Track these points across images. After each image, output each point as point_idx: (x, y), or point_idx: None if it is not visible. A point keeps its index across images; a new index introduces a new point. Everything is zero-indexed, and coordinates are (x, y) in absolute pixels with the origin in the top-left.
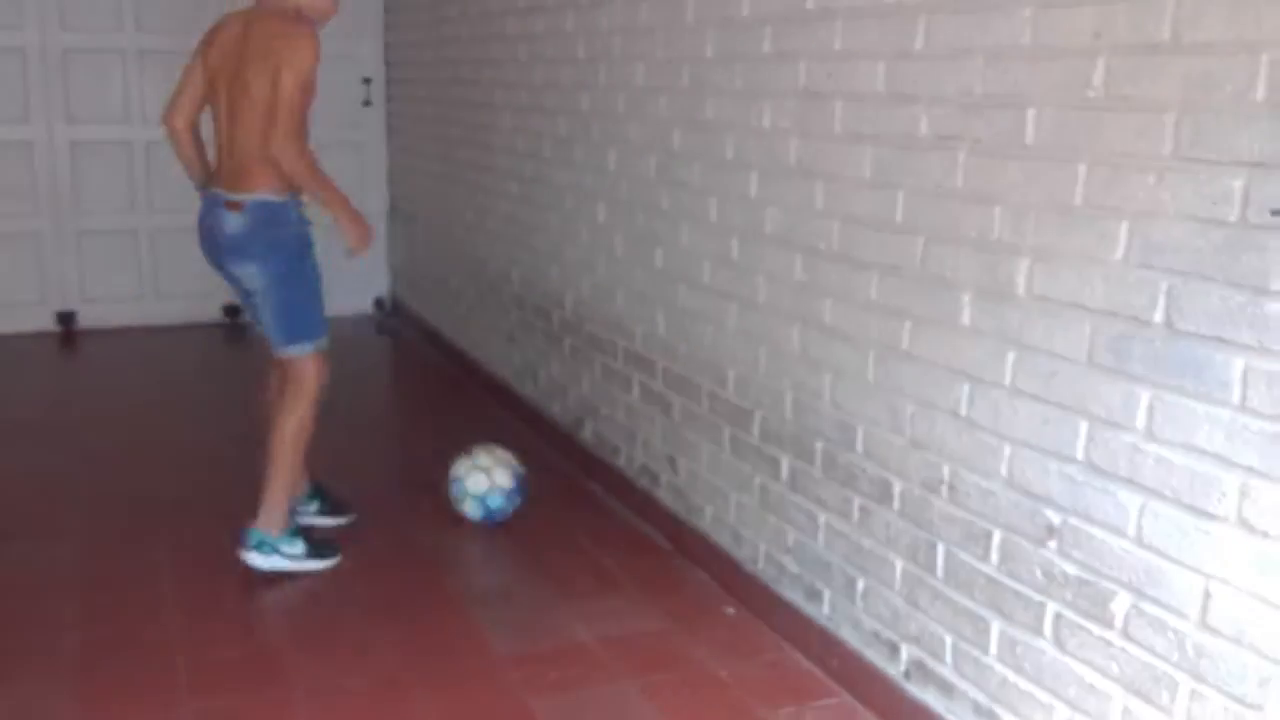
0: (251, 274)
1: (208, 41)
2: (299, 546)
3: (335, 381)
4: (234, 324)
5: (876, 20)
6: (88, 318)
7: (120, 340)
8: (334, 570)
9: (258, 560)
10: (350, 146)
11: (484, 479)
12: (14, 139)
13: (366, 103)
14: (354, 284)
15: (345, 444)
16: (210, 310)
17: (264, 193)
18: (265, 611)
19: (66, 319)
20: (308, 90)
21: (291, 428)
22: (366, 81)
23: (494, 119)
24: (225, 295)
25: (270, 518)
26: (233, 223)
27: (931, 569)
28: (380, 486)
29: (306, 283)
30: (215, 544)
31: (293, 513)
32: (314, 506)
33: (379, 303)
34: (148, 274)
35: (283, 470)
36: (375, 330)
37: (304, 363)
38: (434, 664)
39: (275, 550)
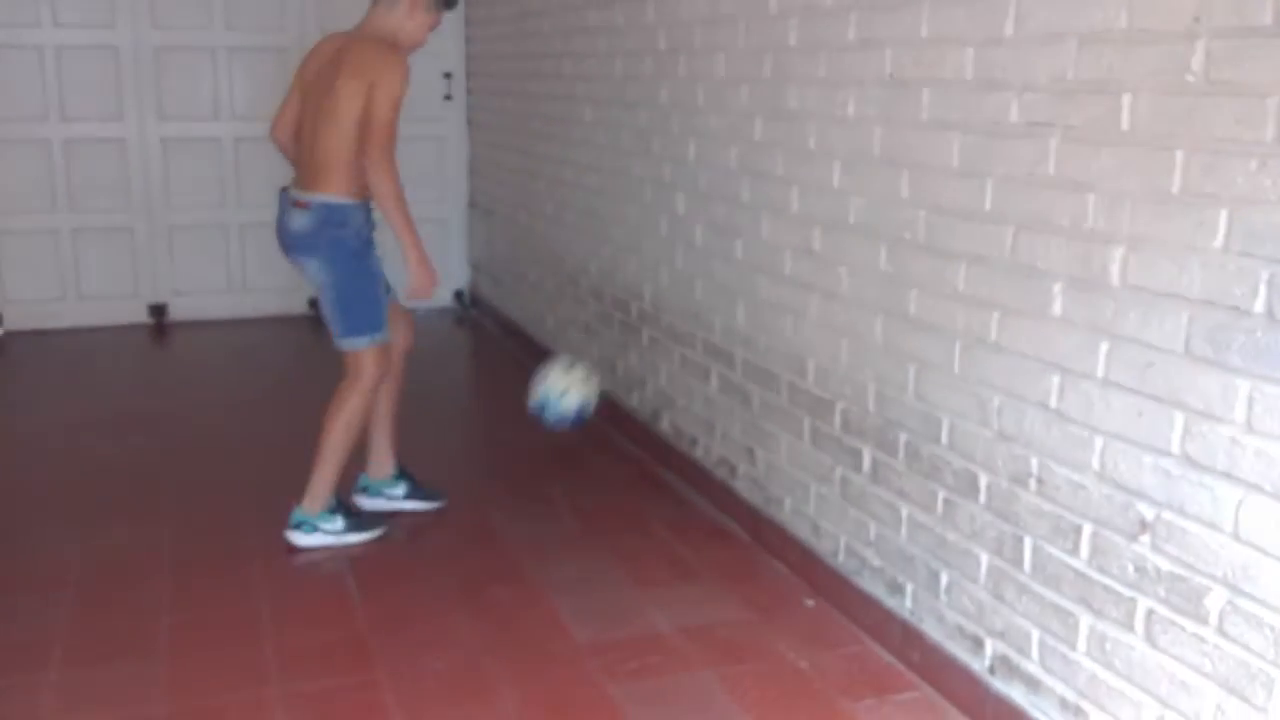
0: (314, 269)
1: (304, 62)
2: (337, 523)
3: (416, 371)
4: (319, 317)
5: (965, 6)
6: (178, 310)
7: (210, 332)
8: (417, 555)
9: (301, 539)
10: (431, 141)
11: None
12: (108, 136)
13: (448, 97)
14: None
15: (427, 432)
16: (297, 303)
17: (332, 195)
18: (350, 595)
19: (158, 311)
20: (398, 111)
21: (344, 417)
22: (447, 76)
23: (574, 112)
24: (311, 289)
25: (313, 501)
26: (299, 220)
27: (1018, 563)
28: (461, 473)
29: (364, 281)
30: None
31: (333, 494)
32: (401, 490)
33: (459, 295)
34: (236, 268)
35: (331, 457)
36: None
37: (360, 356)
38: (515, 649)
39: (316, 528)
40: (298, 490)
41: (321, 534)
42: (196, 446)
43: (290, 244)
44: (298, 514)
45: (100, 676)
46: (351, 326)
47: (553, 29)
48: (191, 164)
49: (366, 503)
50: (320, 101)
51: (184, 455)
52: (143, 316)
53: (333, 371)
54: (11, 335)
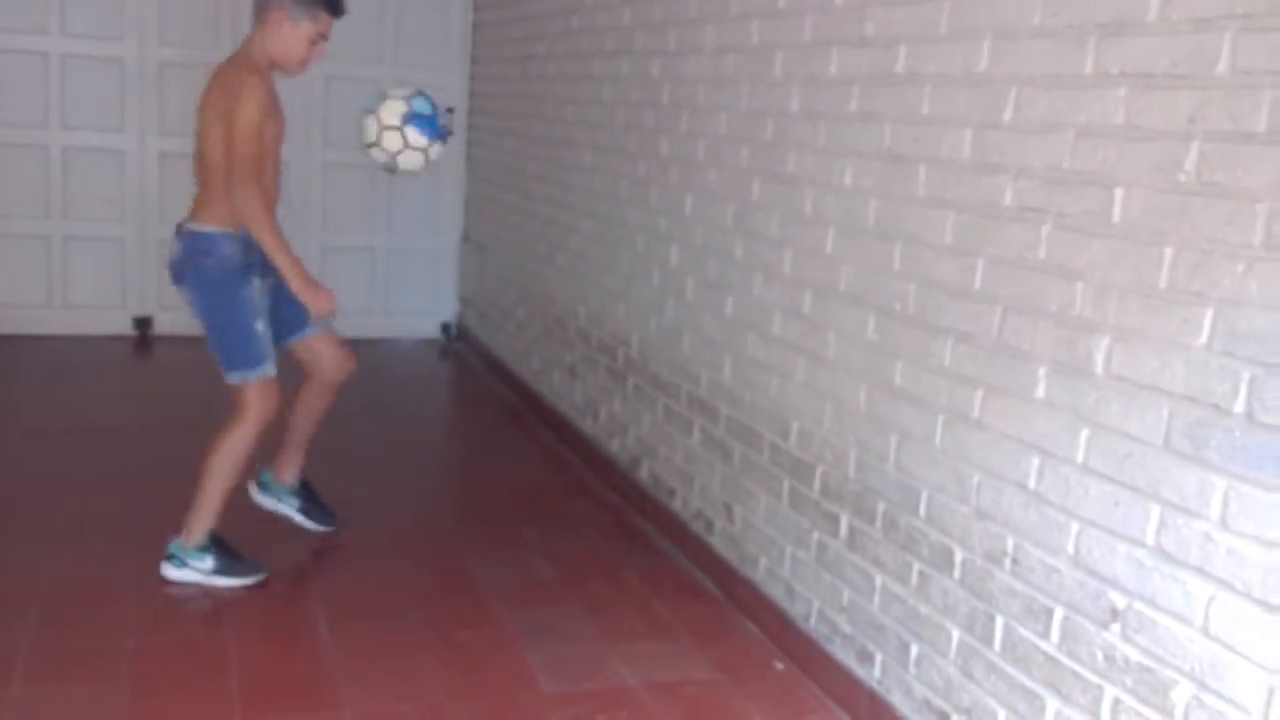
0: (186, 298)
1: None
2: (207, 562)
3: (395, 402)
4: None
5: (966, 89)
6: (163, 324)
7: (193, 348)
8: (388, 593)
9: (171, 572)
10: (427, 173)
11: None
12: (108, 147)
13: (449, 131)
14: (422, 309)
15: (401, 467)
16: None
17: (201, 224)
18: (318, 629)
19: (143, 324)
20: (257, 136)
21: (224, 450)
22: (450, 110)
23: (573, 157)
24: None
25: (188, 534)
26: (173, 248)
27: (989, 641)
28: (434, 511)
29: (228, 314)
30: (280, 566)
31: (209, 532)
32: (296, 503)
33: (445, 328)
34: None
35: (207, 493)
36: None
37: (241, 393)
38: (481, 696)
39: (185, 563)
40: (273, 516)
41: (190, 570)
42: (173, 464)
43: (170, 272)
44: (172, 546)
45: (61, 696)
46: (225, 362)
47: (557, 73)
48: (187, 179)
49: (258, 497)
50: (199, 134)
51: (161, 472)
52: (127, 328)
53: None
54: None
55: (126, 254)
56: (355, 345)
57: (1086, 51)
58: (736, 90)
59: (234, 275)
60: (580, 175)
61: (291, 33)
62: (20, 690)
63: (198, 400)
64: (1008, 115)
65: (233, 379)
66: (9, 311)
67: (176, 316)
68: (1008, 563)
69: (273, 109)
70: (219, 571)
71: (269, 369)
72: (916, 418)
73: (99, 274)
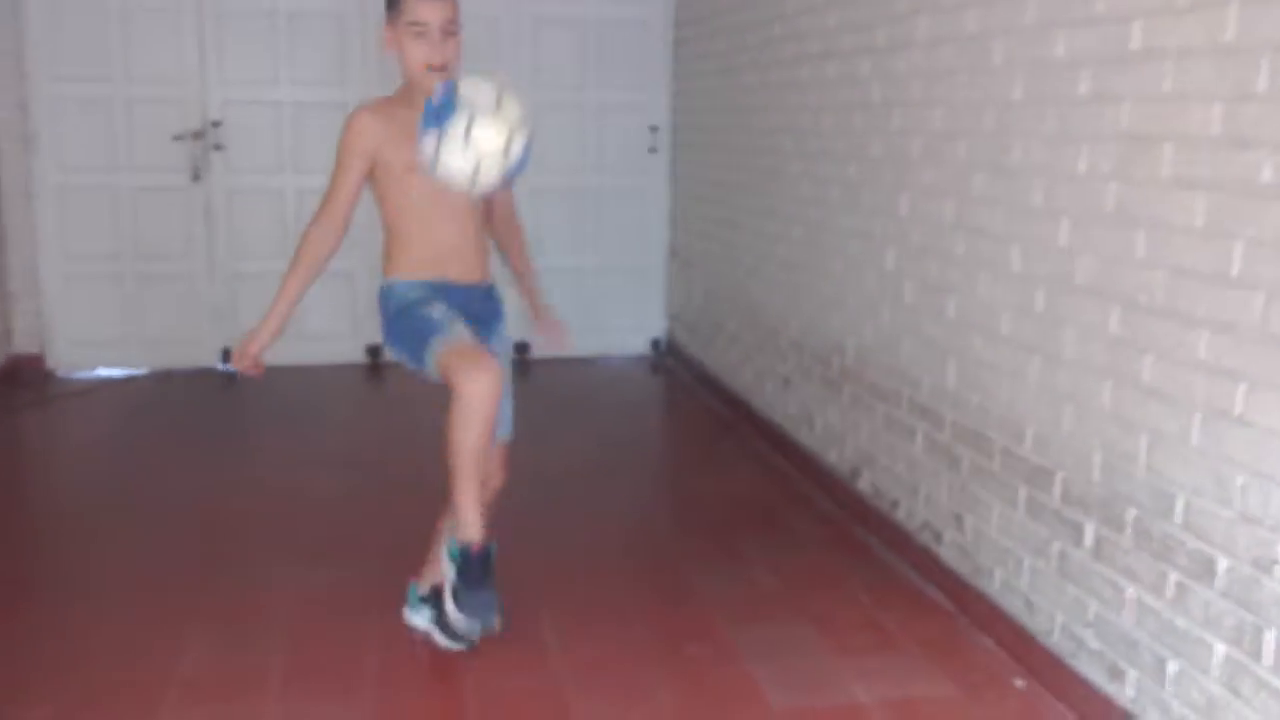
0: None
1: None
2: (424, 613)
3: (609, 420)
4: (521, 360)
5: (1212, 60)
6: None
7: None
8: (612, 608)
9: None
10: (634, 192)
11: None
12: None
13: (652, 150)
14: (631, 326)
15: (617, 481)
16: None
17: (383, 275)
18: (548, 644)
19: (374, 352)
20: (341, 171)
21: (450, 443)
22: (653, 129)
23: (779, 165)
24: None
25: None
26: None
27: (1257, 656)
28: (653, 526)
29: (401, 323)
30: (507, 577)
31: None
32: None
33: (655, 344)
34: None
35: (453, 491)
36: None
37: (444, 372)
38: (710, 711)
39: (414, 607)
40: (504, 530)
41: (416, 616)
42: (406, 487)
43: None
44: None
45: (314, 712)
46: (417, 356)
47: (760, 82)
48: None
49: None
50: None
51: (395, 495)
52: (359, 356)
53: (542, 413)
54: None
55: (356, 285)
56: (567, 364)
57: None
58: (953, 82)
59: (399, 310)
60: (787, 183)
61: (396, 39)
62: (274, 706)
63: (427, 424)
64: (1262, 85)
65: (429, 371)
66: None
67: None
68: (1279, 571)
69: (400, 140)
70: (434, 621)
71: (449, 331)
72: (1169, 416)
73: (332, 306)
